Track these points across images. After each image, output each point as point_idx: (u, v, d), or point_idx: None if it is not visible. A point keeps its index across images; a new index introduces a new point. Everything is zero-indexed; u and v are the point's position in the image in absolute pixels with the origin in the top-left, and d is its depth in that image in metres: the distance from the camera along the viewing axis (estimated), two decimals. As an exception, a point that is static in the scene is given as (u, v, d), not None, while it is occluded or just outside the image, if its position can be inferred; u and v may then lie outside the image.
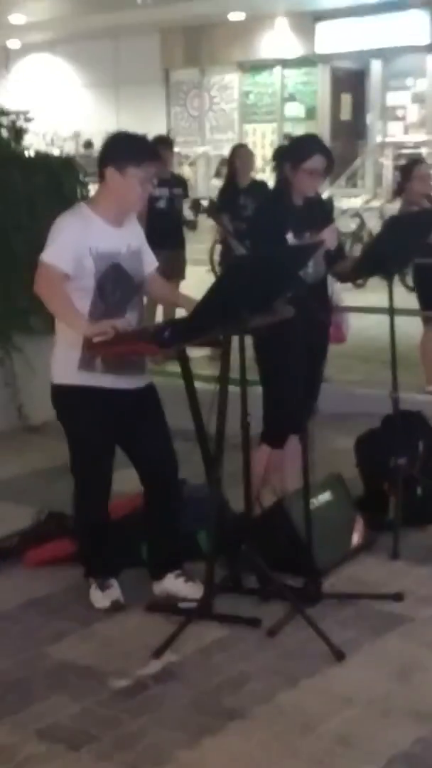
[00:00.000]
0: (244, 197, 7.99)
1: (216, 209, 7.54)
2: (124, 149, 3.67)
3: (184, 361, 3.87)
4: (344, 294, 4.83)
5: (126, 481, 4.00)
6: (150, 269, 3.84)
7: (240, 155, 8.67)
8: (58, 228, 3.64)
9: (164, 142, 8.31)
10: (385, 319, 4.46)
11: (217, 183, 14.66)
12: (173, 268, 7.93)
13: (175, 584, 3.82)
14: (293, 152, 4.29)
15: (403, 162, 11.47)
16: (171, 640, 3.46)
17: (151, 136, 17.06)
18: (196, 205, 7.43)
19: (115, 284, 3.64)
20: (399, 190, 6.81)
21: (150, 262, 3.84)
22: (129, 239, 3.73)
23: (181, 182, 8.24)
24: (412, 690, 3.23)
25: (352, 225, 13.53)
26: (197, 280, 8.25)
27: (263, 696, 3.18)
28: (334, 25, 18.12)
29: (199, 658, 3.42)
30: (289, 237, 4.16)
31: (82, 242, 3.59)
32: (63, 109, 19.08)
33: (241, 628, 3.59)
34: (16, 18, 17.88)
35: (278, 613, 3.65)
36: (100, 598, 3.77)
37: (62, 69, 21.39)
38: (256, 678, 3.29)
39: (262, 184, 8.51)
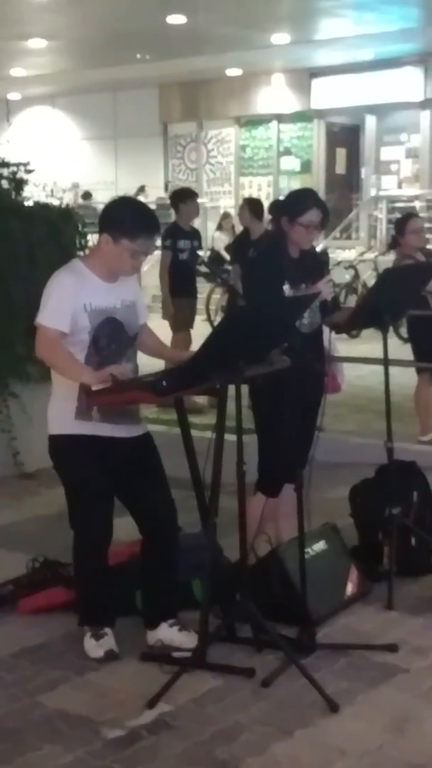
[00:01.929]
0: (254, 250, 8.11)
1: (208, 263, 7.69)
2: (121, 220, 3.68)
3: (181, 410, 3.90)
4: (338, 344, 4.87)
5: (121, 529, 4.00)
6: (143, 321, 3.88)
7: (245, 210, 8.80)
8: (53, 288, 3.67)
9: (192, 196, 8.41)
10: (378, 369, 4.51)
11: (218, 235, 14.82)
12: (190, 316, 8.09)
13: (169, 633, 3.81)
14: (290, 206, 4.36)
15: (397, 215, 11.61)
16: (165, 689, 3.44)
17: (149, 187, 17.28)
18: (218, 259, 7.60)
19: (109, 337, 3.68)
20: (393, 243, 6.90)
21: (143, 314, 3.89)
22: (123, 294, 3.77)
23: (197, 235, 8.39)
24: (406, 742, 3.22)
25: (346, 276, 13.66)
26: (194, 329, 8.35)
27: (257, 747, 3.16)
28: (329, 81, 18.44)
29: (192, 709, 3.40)
30: (286, 288, 4.22)
31: (77, 299, 3.63)
32: (62, 160, 19.32)
33: (235, 678, 3.58)
34: (17, 71, 18.18)
35: (272, 663, 3.64)
36: (94, 647, 3.76)
37: (62, 121, 21.68)
38: (250, 729, 3.27)
39: (271, 236, 8.62)
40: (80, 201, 17.00)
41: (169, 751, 3.14)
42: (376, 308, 4.43)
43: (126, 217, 3.69)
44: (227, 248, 8.74)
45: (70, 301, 3.62)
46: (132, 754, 3.13)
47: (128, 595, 4.00)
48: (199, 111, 20.12)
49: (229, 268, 8.71)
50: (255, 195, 18.81)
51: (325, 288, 4.22)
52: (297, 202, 4.34)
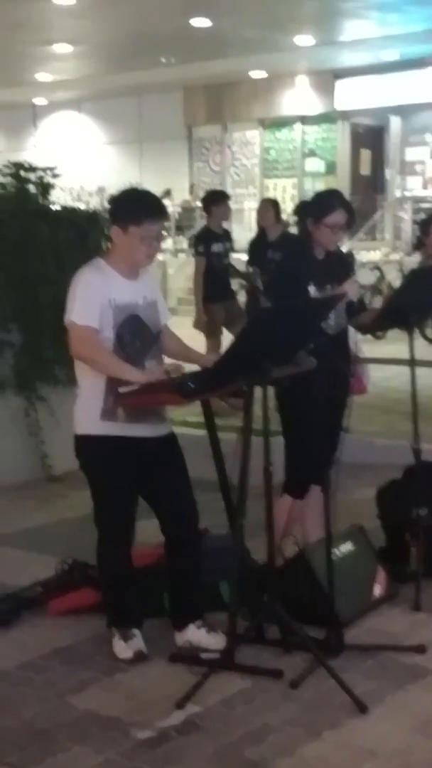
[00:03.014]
0: (273, 251, 8.09)
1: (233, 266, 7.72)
2: (126, 208, 3.74)
3: (208, 411, 3.91)
4: (364, 345, 4.87)
5: (148, 531, 4.02)
6: (164, 320, 3.90)
7: (259, 210, 8.80)
8: (79, 286, 3.70)
9: (223, 198, 8.42)
10: (404, 370, 4.50)
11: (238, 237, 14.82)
12: (231, 318, 8.15)
13: (197, 635, 3.83)
14: (315, 207, 4.36)
15: (422, 216, 11.59)
16: (194, 691, 3.45)
17: (175, 190, 17.35)
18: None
19: (133, 334, 3.70)
20: (419, 244, 6.90)
21: (164, 314, 3.91)
22: (145, 291, 3.80)
23: (229, 236, 8.39)
24: (435, 743, 3.21)
25: (371, 278, 13.63)
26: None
27: (286, 748, 3.17)
28: (353, 82, 18.38)
29: (221, 710, 3.41)
30: (311, 290, 4.22)
31: (102, 295, 3.66)
32: (88, 164, 19.40)
33: (263, 680, 3.59)
34: (43, 76, 18.28)
35: (301, 665, 3.65)
36: (123, 649, 3.78)
37: (88, 126, 21.77)
38: (278, 730, 3.28)
39: (292, 237, 8.62)
40: (106, 205, 17.04)
41: (198, 752, 3.15)
42: (402, 309, 4.43)
43: (129, 205, 3.74)
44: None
45: (97, 298, 3.64)
46: (161, 754, 3.14)
47: (156, 597, 4.01)
48: (224, 113, 20.13)
49: (250, 269, 8.71)
50: (279, 197, 18.82)
51: (350, 289, 4.22)
52: (322, 204, 4.35)
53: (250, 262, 8.51)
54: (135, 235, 3.68)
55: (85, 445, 3.76)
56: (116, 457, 3.69)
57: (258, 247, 8.47)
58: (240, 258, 8.76)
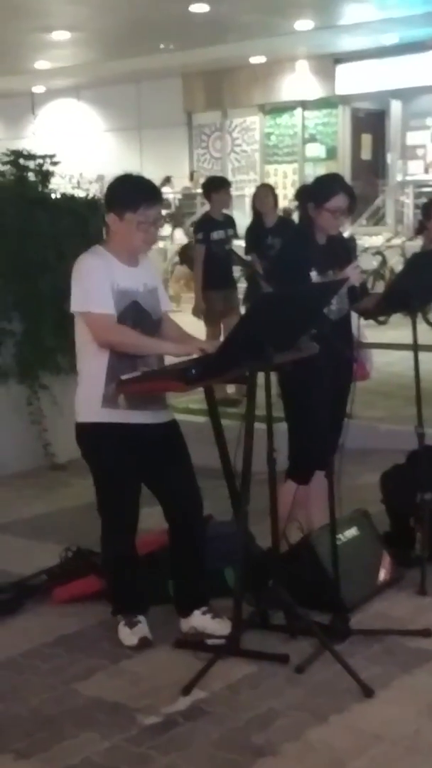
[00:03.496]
0: (272, 237, 8.05)
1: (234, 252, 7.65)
2: (120, 195, 3.72)
3: (211, 398, 3.90)
4: (366, 331, 4.85)
5: (152, 518, 4.02)
6: (165, 308, 3.89)
7: (257, 195, 8.75)
8: (85, 273, 3.68)
9: (224, 184, 8.29)
10: (407, 355, 4.48)
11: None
12: (230, 307, 8.07)
13: (202, 621, 3.83)
14: (316, 192, 4.34)
15: (424, 200, 11.55)
16: (199, 676, 3.46)
17: (175, 177, 17.27)
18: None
19: (134, 321, 3.69)
20: (420, 228, 6.88)
21: (165, 302, 3.90)
22: (145, 278, 3.79)
23: (231, 222, 8.23)
24: (441, 726, 3.21)
25: (373, 263, 13.60)
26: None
27: (292, 732, 3.17)
28: (353, 67, 18.31)
29: (227, 695, 3.42)
30: (313, 275, 4.21)
31: (108, 280, 3.65)
32: (88, 152, 19.35)
33: (269, 665, 3.59)
34: (41, 64, 18.22)
35: (306, 650, 3.65)
36: (128, 635, 3.78)
37: (87, 113, 21.71)
38: (284, 714, 3.28)
39: (289, 223, 8.58)
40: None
41: (205, 738, 3.15)
42: (405, 293, 4.41)
43: (124, 191, 3.72)
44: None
45: (106, 282, 3.63)
46: (168, 740, 3.15)
47: (161, 584, 4.01)
48: (223, 100, 20.07)
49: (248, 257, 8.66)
50: (280, 183, 18.77)
51: (352, 274, 4.20)
52: (323, 188, 4.33)
53: (248, 250, 8.46)
54: (131, 221, 3.66)
55: (87, 432, 3.75)
56: (118, 445, 3.68)
57: (255, 233, 8.42)
58: (241, 245, 8.70)
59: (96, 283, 3.63)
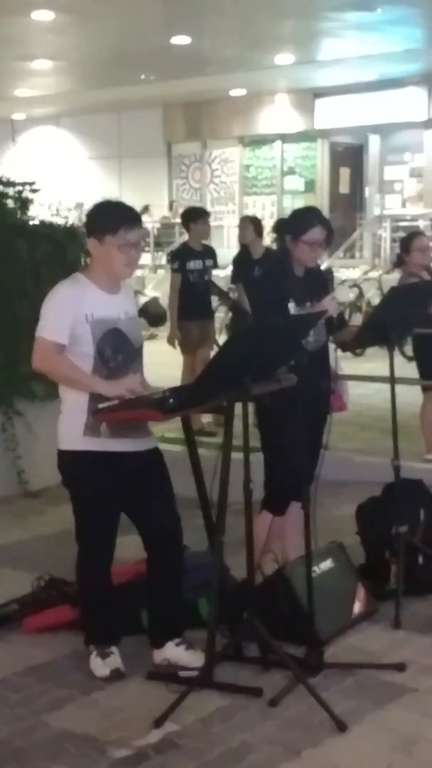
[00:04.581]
0: (259, 268, 8.05)
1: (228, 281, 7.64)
2: (100, 218, 3.73)
3: (188, 427, 3.89)
4: (343, 363, 4.87)
5: (126, 547, 3.99)
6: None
7: (239, 227, 8.76)
8: (52, 301, 3.68)
9: (202, 215, 8.26)
10: (383, 387, 4.50)
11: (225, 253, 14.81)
12: (204, 338, 8.04)
13: (175, 652, 3.79)
14: (293, 225, 4.37)
15: (401, 234, 11.63)
16: (172, 709, 3.42)
17: (154, 206, 17.24)
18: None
19: (115, 349, 3.68)
20: (399, 262, 6.91)
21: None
22: (126, 306, 3.79)
23: (211, 253, 8.20)
24: (414, 762, 3.19)
25: (350, 295, 13.66)
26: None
27: (265, 767, 3.14)
28: (333, 101, 18.50)
29: (200, 728, 3.38)
30: (291, 306, 4.22)
31: (77, 310, 3.64)
32: (67, 180, 19.40)
33: (242, 698, 3.56)
34: (22, 92, 18.28)
35: (280, 683, 3.62)
36: (100, 666, 3.74)
37: (67, 141, 21.78)
38: (257, 749, 3.25)
39: (276, 255, 8.59)
40: (84, 220, 17.02)
41: (176, 772, 3.12)
42: (383, 326, 4.43)
43: (102, 215, 3.74)
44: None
45: (69, 313, 3.62)
46: (139, 774, 3.11)
47: (134, 614, 3.98)
48: (203, 131, 20.21)
49: (232, 286, 8.66)
50: (259, 214, 18.88)
51: (330, 305, 4.22)
52: (300, 221, 4.35)
53: (234, 280, 8.47)
54: (112, 245, 3.66)
55: (69, 460, 3.72)
56: (99, 473, 3.66)
57: (243, 264, 8.45)
58: (219, 275, 8.71)
59: (55, 312, 3.64)
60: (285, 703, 3.51)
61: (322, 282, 4.47)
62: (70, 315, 3.62)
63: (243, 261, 8.49)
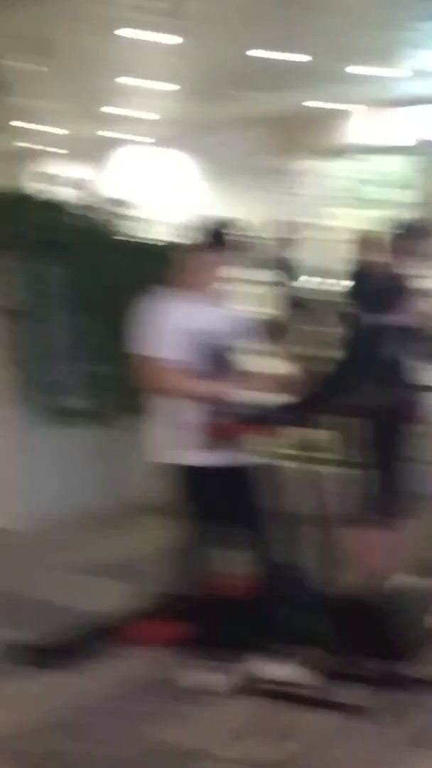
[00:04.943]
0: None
1: None
2: (202, 237, 3.80)
3: (302, 443, 3.86)
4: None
5: (237, 562, 3.97)
6: (242, 342, 3.90)
7: (360, 243, 8.66)
8: (151, 317, 3.74)
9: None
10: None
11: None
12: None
13: (286, 670, 3.76)
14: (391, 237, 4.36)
15: None
16: (289, 727, 3.38)
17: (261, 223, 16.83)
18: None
19: (211, 359, 3.72)
20: None
21: (242, 336, 3.92)
22: (218, 316, 3.83)
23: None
24: None
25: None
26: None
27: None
28: (417, 111, 18.26)
29: (318, 746, 3.34)
30: (383, 318, 4.19)
31: (175, 324, 3.68)
32: (179, 199, 19.58)
33: (356, 716, 3.49)
34: (129, 112, 18.58)
35: (394, 700, 3.54)
36: (211, 681, 3.73)
37: (180, 162, 22.01)
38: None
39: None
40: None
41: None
42: None
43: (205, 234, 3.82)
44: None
45: (170, 326, 3.66)
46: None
47: (248, 629, 3.95)
48: (306, 145, 20.15)
49: None
50: (363, 228, 18.69)
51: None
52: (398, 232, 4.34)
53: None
54: (207, 261, 3.76)
55: (178, 474, 3.76)
56: (210, 486, 3.68)
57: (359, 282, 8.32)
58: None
59: (155, 327, 3.69)
60: (403, 720, 3.43)
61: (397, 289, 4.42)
62: (169, 327, 3.66)
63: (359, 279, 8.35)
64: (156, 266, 6.32)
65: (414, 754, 3.28)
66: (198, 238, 3.78)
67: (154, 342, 3.67)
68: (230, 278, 3.85)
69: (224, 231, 3.88)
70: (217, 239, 3.82)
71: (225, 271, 3.79)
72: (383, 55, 14.53)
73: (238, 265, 4.01)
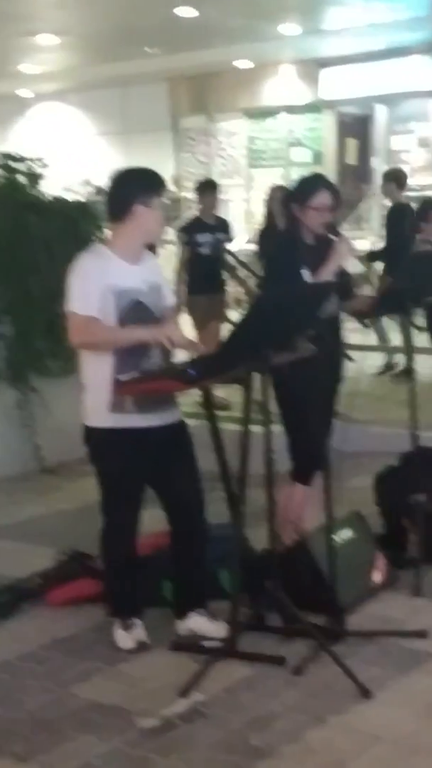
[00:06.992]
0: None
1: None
2: (145, 183, 3.75)
3: (208, 400, 3.89)
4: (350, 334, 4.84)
5: (149, 521, 4.00)
6: (168, 305, 3.88)
7: (275, 197, 8.62)
8: (77, 274, 3.68)
9: (210, 187, 8.21)
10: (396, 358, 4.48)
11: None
12: (214, 312, 7.97)
13: (199, 623, 3.82)
14: (299, 192, 4.36)
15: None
16: (196, 679, 3.45)
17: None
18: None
19: (137, 320, 3.68)
20: (417, 229, 6.89)
21: (169, 297, 3.89)
22: (148, 275, 3.78)
23: (225, 226, 8.14)
24: (440, 727, 3.22)
25: (359, 266, 13.59)
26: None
27: (292, 734, 3.17)
28: (338, 71, 18.33)
29: (225, 697, 3.41)
30: (305, 275, 4.21)
31: (102, 282, 3.64)
32: (74, 156, 19.31)
33: (266, 667, 3.58)
34: (27, 68, 18.17)
35: (303, 651, 3.64)
36: (124, 638, 3.77)
37: (73, 117, 21.66)
38: (283, 716, 3.28)
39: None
40: (95, 196, 16.96)
41: (204, 740, 3.15)
42: (400, 294, 4.42)
43: (146, 179, 3.77)
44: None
45: (95, 285, 3.62)
46: (167, 742, 3.14)
47: (156, 586, 4.00)
48: (209, 104, 20.06)
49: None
50: (266, 187, 18.78)
51: (342, 247, 4.20)
52: (306, 187, 4.35)
53: (260, 255, 8.31)
54: (158, 206, 3.71)
55: (95, 436, 3.74)
56: (125, 449, 3.67)
57: (267, 237, 8.32)
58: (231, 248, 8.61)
59: (82, 285, 3.64)
60: (309, 672, 3.54)
61: (333, 249, 4.44)
62: (96, 286, 3.62)
63: (267, 234, 8.37)
64: (70, 226, 6.33)
65: (320, 702, 3.36)
66: (154, 186, 3.72)
67: (81, 299, 3.61)
68: (158, 237, 3.80)
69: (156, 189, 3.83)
70: (161, 182, 3.78)
71: (155, 230, 3.74)
72: (305, 13, 14.51)
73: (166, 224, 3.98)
